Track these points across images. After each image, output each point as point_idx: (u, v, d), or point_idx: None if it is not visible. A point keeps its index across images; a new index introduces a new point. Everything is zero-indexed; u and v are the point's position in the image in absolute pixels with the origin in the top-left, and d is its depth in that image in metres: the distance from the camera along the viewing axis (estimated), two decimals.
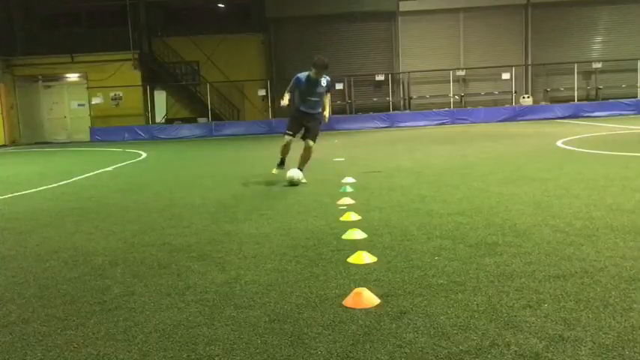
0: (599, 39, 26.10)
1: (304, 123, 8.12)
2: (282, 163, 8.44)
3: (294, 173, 8.03)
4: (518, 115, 23.88)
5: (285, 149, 8.31)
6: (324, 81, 7.97)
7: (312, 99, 8.00)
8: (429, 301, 3.25)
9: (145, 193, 8.19)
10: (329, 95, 8.25)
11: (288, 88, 8.09)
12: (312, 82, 7.91)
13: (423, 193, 6.90)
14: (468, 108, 25.00)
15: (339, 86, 25.33)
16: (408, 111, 25.51)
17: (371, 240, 4.73)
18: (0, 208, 7.50)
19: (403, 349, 2.67)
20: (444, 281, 3.59)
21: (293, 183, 7.94)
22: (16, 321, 3.29)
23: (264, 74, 26.20)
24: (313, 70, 7.80)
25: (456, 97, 25.56)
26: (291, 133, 8.17)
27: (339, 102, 25.89)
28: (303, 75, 7.96)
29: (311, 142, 8.15)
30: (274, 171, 8.45)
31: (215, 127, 24.38)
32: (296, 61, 25.86)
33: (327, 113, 8.22)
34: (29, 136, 26.21)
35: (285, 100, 7.92)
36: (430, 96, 25.54)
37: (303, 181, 8.01)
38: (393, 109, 25.41)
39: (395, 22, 25.99)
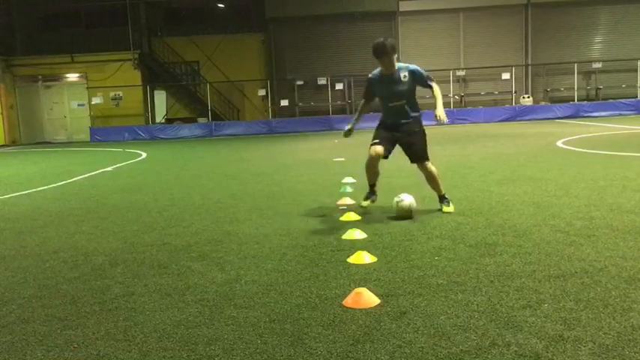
0: (599, 39, 26.11)
1: (397, 138, 5.77)
2: (372, 191, 5.94)
3: (408, 199, 5.57)
4: (518, 115, 23.88)
5: (372, 167, 5.78)
6: (403, 73, 5.59)
7: (395, 103, 5.66)
8: (429, 301, 3.25)
9: (145, 193, 8.19)
10: (434, 86, 5.84)
11: (363, 95, 6.01)
12: (387, 80, 5.62)
13: (423, 193, 6.89)
14: (468, 108, 25.00)
15: (339, 86, 25.34)
16: None
17: (371, 240, 4.73)
18: (0, 208, 7.50)
19: (403, 349, 2.67)
20: (444, 281, 3.59)
21: (405, 214, 5.51)
22: (16, 321, 3.29)
23: (264, 74, 26.20)
24: (380, 64, 5.57)
25: (456, 97, 25.55)
26: (377, 141, 5.72)
27: (339, 102, 25.89)
28: (374, 73, 5.79)
29: (425, 162, 5.79)
30: (364, 203, 5.93)
31: (215, 127, 24.38)
32: (296, 61, 25.91)
33: (439, 110, 5.70)
34: (29, 136, 26.22)
35: (348, 126, 6.06)
36: (430, 96, 25.45)
37: (450, 209, 5.72)
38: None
39: (395, 22, 26.00)
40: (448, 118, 5.26)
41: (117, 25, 25.44)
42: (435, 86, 5.84)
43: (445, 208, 5.71)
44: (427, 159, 5.80)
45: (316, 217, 5.84)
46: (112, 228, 5.80)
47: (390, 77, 5.58)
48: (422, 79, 5.72)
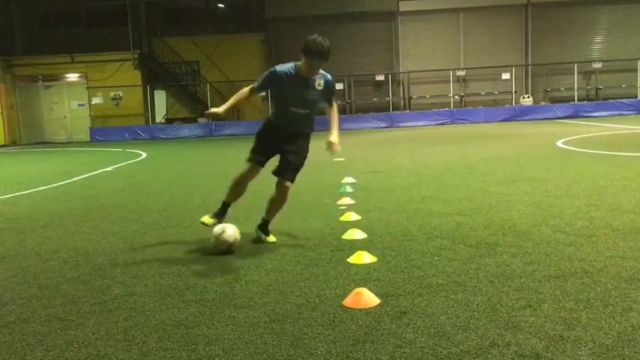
0: (599, 39, 26.11)
1: (283, 145, 4.87)
2: (223, 210, 5.02)
3: (229, 230, 4.66)
4: (518, 115, 23.88)
5: (239, 184, 4.98)
6: (320, 80, 4.77)
7: (299, 110, 4.79)
8: (429, 301, 3.25)
9: (145, 193, 8.19)
10: (335, 107, 5.03)
11: (252, 87, 4.84)
12: (300, 82, 4.73)
13: (423, 193, 6.90)
14: (468, 108, 24.99)
15: (339, 86, 25.34)
16: (408, 111, 25.50)
17: (371, 240, 4.73)
18: (0, 208, 7.50)
19: (403, 349, 2.67)
20: (444, 281, 3.59)
21: (223, 247, 4.58)
22: (16, 321, 3.29)
23: None
24: (303, 60, 4.66)
25: (456, 97, 25.55)
26: (257, 157, 4.92)
27: (339, 102, 25.87)
28: (284, 68, 4.78)
29: (288, 182, 4.85)
30: (206, 220, 4.95)
31: (215, 127, 24.38)
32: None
33: (334, 135, 4.81)
34: (29, 136, 26.22)
35: (219, 109, 4.78)
36: (430, 96, 25.53)
37: (271, 239, 4.92)
38: (393, 109, 25.40)
39: (395, 22, 25.99)
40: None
41: (117, 25, 25.43)
42: (336, 107, 5.06)
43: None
44: (293, 179, 4.89)
45: (316, 217, 5.84)
46: (112, 228, 5.80)
47: (305, 80, 4.75)
48: (330, 93, 4.94)
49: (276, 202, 4.95)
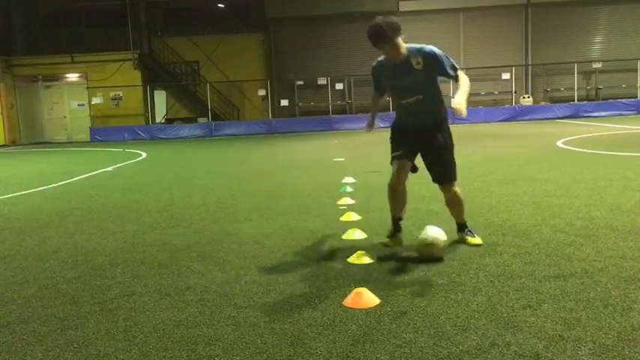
0: (599, 39, 26.11)
1: (418, 148, 4.39)
2: (396, 226, 4.51)
3: (437, 233, 4.16)
4: (519, 115, 23.88)
5: (395, 190, 4.40)
6: (417, 58, 4.14)
7: (408, 100, 4.28)
8: (429, 301, 3.25)
9: (145, 193, 8.19)
10: (461, 75, 4.20)
11: (373, 87, 4.72)
12: (393, 69, 4.25)
13: (423, 193, 6.89)
14: (468, 108, 24.95)
15: (339, 86, 25.34)
16: None
17: (371, 240, 4.73)
18: (0, 208, 7.50)
19: (403, 349, 2.67)
20: (444, 281, 3.59)
21: (432, 251, 4.09)
22: (16, 321, 3.29)
23: (264, 74, 26.19)
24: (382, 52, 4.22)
25: None
26: (399, 153, 4.36)
27: (339, 102, 25.88)
28: (378, 60, 4.43)
29: (448, 184, 4.45)
30: (388, 242, 4.51)
31: (215, 127, 24.38)
32: (296, 61, 25.91)
33: (459, 100, 3.92)
34: (29, 136, 26.21)
35: (369, 125, 4.95)
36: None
37: (477, 241, 4.44)
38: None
39: None
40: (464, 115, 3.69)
41: (117, 25, 25.43)
42: (463, 76, 4.20)
43: (472, 240, 4.46)
44: (451, 180, 4.43)
45: (316, 217, 5.84)
46: (112, 228, 5.80)
47: (397, 66, 4.16)
48: (440, 66, 4.16)
49: (451, 207, 4.59)
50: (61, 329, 3.13)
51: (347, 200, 6.54)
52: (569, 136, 14.31)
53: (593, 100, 25.07)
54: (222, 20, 26.60)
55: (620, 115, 22.94)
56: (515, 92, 25.43)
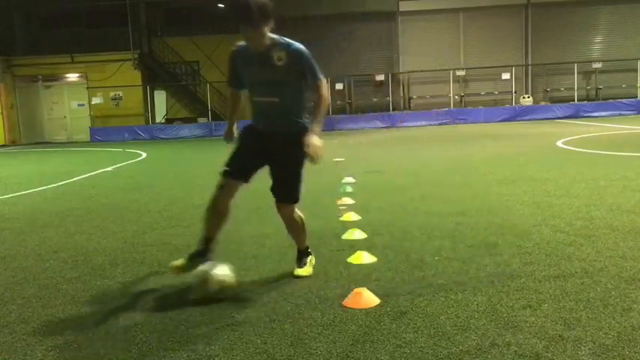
0: (599, 39, 26.12)
1: (265, 158, 3.76)
2: (203, 249, 3.74)
3: (220, 271, 3.48)
4: (518, 115, 23.88)
5: (214, 210, 3.84)
6: (279, 53, 3.48)
7: (263, 99, 3.61)
8: (429, 301, 3.25)
9: (145, 193, 8.19)
10: (321, 90, 3.56)
11: (227, 81, 3.84)
12: (253, 59, 3.54)
13: (423, 193, 6.89)
14: (468, 108, 25.00)
15: (339, 86, 25.33)
16: (408, 111, 25.51)
17: (371, 240, 4.73)
18: (0, 208, 7.50)
19: (403, 349, 2.67)
20: (444, 281, 3.59)
21: (207, 288, 3.43)
22: (16, 321, 3.29)
23: None
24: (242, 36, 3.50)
25: (456, 97, 25.56)
26: (230, 171, 3.76)
27: (339, 102, 25.88)
28: (241, 44, 3.62)
29: (285, 202, 3.87)
30: (177, 263, 3.74)
31: (215, 127, 24.37)
32: None
33: (314, 141, 3.44)
34: (29, 136, 26.21)
35: (227, 135, 4.02)
36: (430, 96, 25.53)
37: (302, 272, 3.83)
38: (393, 109, 25.40)
39: (395, 22, 25.99)
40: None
41: (117, 25, 25.42)
42: (324, 92, 3.56)
43: (297, 271, 3.83)
44: (293, 199, 3.82)
45: (316, 217, 5.83)
46: (112, 228, 5.80)
47: (258, 56, 3.47)
48: (302, 67, 3.51)
49: (288, 229, 3.97)
50: (61, 329, 3.13)
51: (347, 200, 6.54)
52: (569, 136, 14.31)
53: (593, 100, 25.07)
54: (222, 20, 26.57)
55: (620, 115, 22.94)
56: (515, 92, 25.43)
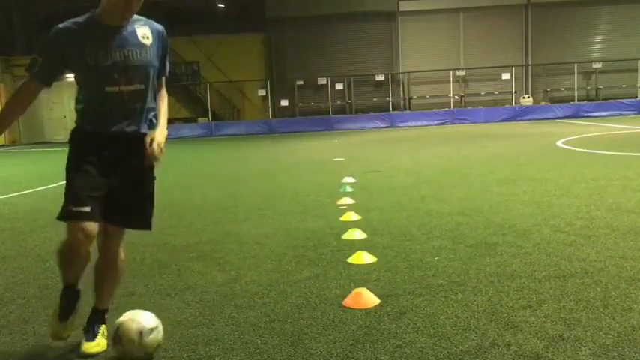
0: (599, 39, 26.13)
1: (111, 176, 2.72)
2: (68, 305, 2.84)
3: (145, 320, 2.71)
4: (518, 115, 23.89)
5: (76, 252, 2.66)
6: (144, 30, 2.86)
7: (120, 86, 2.67)
8: (429, 301, 3.25)
9: None
10: (163, 88, 2.94)
11: (31, 71, 2.68)
12: (107, 35, 2.69)
13: (423, 193, 6.90)
14: (468, 108, 25.01)
15: (339, 86, 25.34)
16: (408, 111, 25.52)
17: (371, 240, 4.73)
18: (0, 208, 7.50)
19: (403, 349, 2.67)
20: (444, 281, 3.59)
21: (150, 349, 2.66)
22: (16, 321, 3.29)
23: (264, 74, 26.20)
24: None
25: (456, 97, 25.56)
26: (86, 209, 2.58)
27: (339, 102, 25.88)
28: (69, 23, 2.69)
29: (141, 229, 2.89)
30: (57, 330, 2.81)
31: (215, 127, 24.39)
32: (296, 61, 25.91)
33: (160, 138, 2.72)
34: (29, 136, 26.23)
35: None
36: (430, 96, 25.55)
37: (93, 349, 2.83)
38: (393, 109, 25.42)
39: (395, 22, 26.00)
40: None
41: None
42: (164, 92, 2.96)
43: (86, 346, 2.82)
44: (150, 225, 2.90)
45: (316, 217, 5.84)
46: None
47: (115, 30, 2.72)
48: (165, 54, 2.91)
49: (102, 273, 2.97)
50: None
51: (347, 200, 6.54)
52: (569, 136, 14.32)
53: (593, 100, 25.09)
54: (222, 20, 26.60)
55: (620, 115, 22.95)
56: (515, 92, 25.46)
